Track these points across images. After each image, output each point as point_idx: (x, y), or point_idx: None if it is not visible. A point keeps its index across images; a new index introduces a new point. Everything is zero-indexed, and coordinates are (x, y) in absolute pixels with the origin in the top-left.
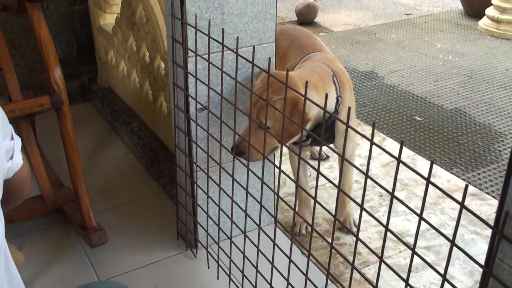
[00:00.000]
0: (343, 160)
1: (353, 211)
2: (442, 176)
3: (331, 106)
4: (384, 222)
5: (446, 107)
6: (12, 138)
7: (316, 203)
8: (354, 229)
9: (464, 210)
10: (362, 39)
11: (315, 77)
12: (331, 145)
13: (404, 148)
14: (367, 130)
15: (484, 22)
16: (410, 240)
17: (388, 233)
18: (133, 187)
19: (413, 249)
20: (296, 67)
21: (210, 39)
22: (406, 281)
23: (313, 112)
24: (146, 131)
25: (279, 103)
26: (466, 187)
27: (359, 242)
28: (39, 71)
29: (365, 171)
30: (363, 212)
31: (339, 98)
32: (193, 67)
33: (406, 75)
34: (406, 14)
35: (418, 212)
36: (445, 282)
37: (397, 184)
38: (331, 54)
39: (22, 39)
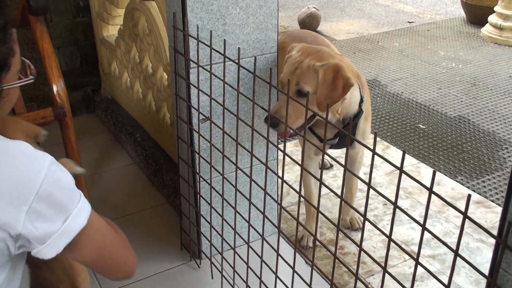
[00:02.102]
0: (346, 169)
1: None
2: (446, 184)
3: (357, 103)
4: (388, 231)
5: (449, 115)
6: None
7: (319, 213)
8: (357, 226)
9: (470, 210)
10: (364, 48)
11: (348, 65)
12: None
13: (407, 156)
14: (370, 138)
15: (487, 29)
16: (415, 249)
17: (401, 248)
18: (136, 197)
19: (416, 259)
20: None
21: (212, 50)
22: None
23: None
24: (149, 142)
25: (321, 70)
26: (469, 197)
27: (370, 256)
28: (43, 83)
29: (368, 181)
30: (367, 221)
31: (363, 97)
32: (195, 78)
33: (409, 83)
34: (409, 22)
35: (420, 218)
36: None
37: (401, 192)
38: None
39: (26, 51)
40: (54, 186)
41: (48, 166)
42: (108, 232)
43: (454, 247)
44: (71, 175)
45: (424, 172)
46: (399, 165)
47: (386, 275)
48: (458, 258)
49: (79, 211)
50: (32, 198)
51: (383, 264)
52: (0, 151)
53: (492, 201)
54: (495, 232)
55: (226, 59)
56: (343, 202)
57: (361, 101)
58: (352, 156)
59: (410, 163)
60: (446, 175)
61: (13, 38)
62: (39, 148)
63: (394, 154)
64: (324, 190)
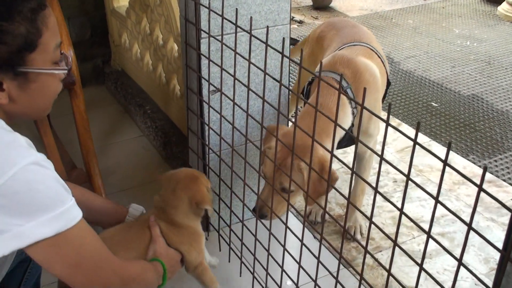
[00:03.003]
0: (353, 171)
1: (362, 218)
2: (458, 163)
3: (346, 127)
4: (399, 207)
5: (463, 93)
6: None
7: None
8: (359, 237)
9: (481, 194)
10: (378, 24)
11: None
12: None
13: (420, 134)
14: (383, 114)
15: (503, 8)
16: (425, 227)
17: (402, 219)
18: (145, 169)
19: (428, 232)
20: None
21: (224, 20)
22: (421, 265)
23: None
24: (159, 114)
25: (306, 171)
26: (485, 169)
27: (372, 227)
28: None
29: (381, 153)
30: (377, 197)
31: (354, 110)
32: (206, 49)
33: (423, 61)
34: None
35: (429, 197)
36: (461, 267)
37: (412, 170)
38: (368, 44)
39: None
40: (24, 186)
41: (25, 165)
42: (90, 249)
43: (465, 226)
44: (59, 183)
45: (436, 150)
46: (414, 140)
47: (396, 251)
48: (469, 235)
49: (50, 221)
50: None
51: (393, 238)
52: None
53: (504, 180)
54: (506, 211)
55: (238, 30)
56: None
57: (354, 115)
58: (360, 154)
59: (422, 140)
60: (458, 153)
61: (44, 21)
62: None
63: (406, 131)
64: (334, 166)
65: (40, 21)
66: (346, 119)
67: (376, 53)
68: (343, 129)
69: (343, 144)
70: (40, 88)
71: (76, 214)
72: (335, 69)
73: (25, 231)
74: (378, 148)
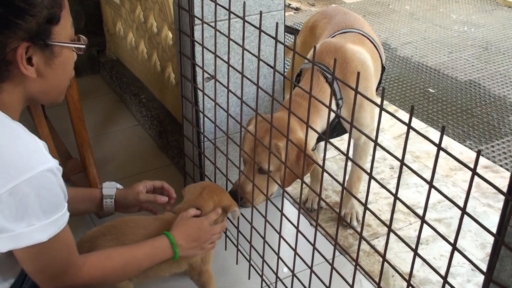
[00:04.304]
0: (347, 156)
1: (358, 205)
2: (455, 149)
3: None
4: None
5: (460, 79)
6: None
7: (324, 173)
8: (355, 224)
9: (478, 180)
10: (375, 11)
11: (302, 109)
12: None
13: (416, 120)
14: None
15: None
16: (421, 213)
17: (398, 205)
18: (141, 158)
19: (422, 218)
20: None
21: (217, 6)
22: (415, 250)
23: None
24: (154, 103)
25: (283, 151)
26: (479, 152)
27: (369, 213)
28: None
29: (375, 139)
30: (374, 184)
31: (340, 101)
32: (199, 35)
33: (420, 47)
34: None
35: (429, 182)
36: (456, 252)
37: (408, 156)
38: (360, 31)
39: None
40: (34, 190)
41: (42, 171)
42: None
43: (460, 207)
44: (62, 190)
45: (433, 136)
46: (408, 124)
47: (392, 237)
48: (464, 222)
49: (48, 226)
50: (5, 190)
51: (388, 225)
52: (11, 135)
53: (501, 165)
54: (503, 196)
55: (232, 16)
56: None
57: (338, 106)
58: (354, 141)
59: (419, 126)
60: (454, 139)
61: None
62: None
63: (403, 118)
64: (330, 153)
65: None
66: (327, 111)
67: (368, 38)
68: (336, 113)
69: (334, 134)
70: (64, 63)
71: (66, 219)
72: (322, 59)
73: (24, 234)
74: (374, 135)
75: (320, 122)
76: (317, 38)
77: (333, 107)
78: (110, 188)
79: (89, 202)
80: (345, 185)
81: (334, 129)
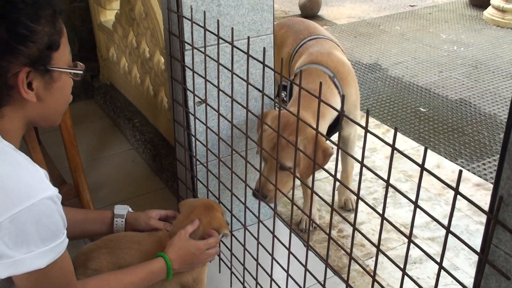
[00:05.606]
0: (338, 147)
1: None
2: (446, 167)
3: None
4: (386, 215)
5: (451, 98)
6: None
7: (314, 194)
8: (350, 207)
9: (474, 196)
10: (366, 32)
11: (314, 102)
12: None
13: (408, 139)
14: (369, 123)
15: (489, 12)
16: (415, 232)
17: (392, 224)
18: (135, 182)
19: (409, 237)
20: (295, 53)
21: (207, 32)
22: (403, 270)
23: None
24: (148, 127)
25: (302, 144)
26: (460, 172)
27: (361, 234)
28: None
29: (365, 164)
30: (367, 204)
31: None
32: (190, 60)
33: (411, 67)
34: (411, 5)
35: (419, 202)
36: (445, 271)
37: (401, 175)
38: (327, 36)
39: None
40: (34, 218)
41: (42, 198)
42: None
43: (454, 230)
44: (61, 218)
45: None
46: (392, 145)
47: (384, 257)
48: (456, 240)
49: (46, 252)
50: (6, 217)
51: (381, 245)
52: (13, 164)
53: (492, 183)
54: None
55: (221, 41)
56: (338, 182)
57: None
58: (344, 136)
59: (411, 146)
60: (446, 158)
61: (61, 25)
62: None
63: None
64: (323, 173)
65: (58, 24)
66: (336, 105)
67: (337, 45)
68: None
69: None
70: (62, 88)
71: (65, 245)
72: (319, 60)
73: (23, 260)
74: (367, 154)
75: (330, 114)
76: (280, 47)
77: (339, 103)
78: (121, 209)
79: (100, 222)
80: (340, 175)
81: (336, 127)
